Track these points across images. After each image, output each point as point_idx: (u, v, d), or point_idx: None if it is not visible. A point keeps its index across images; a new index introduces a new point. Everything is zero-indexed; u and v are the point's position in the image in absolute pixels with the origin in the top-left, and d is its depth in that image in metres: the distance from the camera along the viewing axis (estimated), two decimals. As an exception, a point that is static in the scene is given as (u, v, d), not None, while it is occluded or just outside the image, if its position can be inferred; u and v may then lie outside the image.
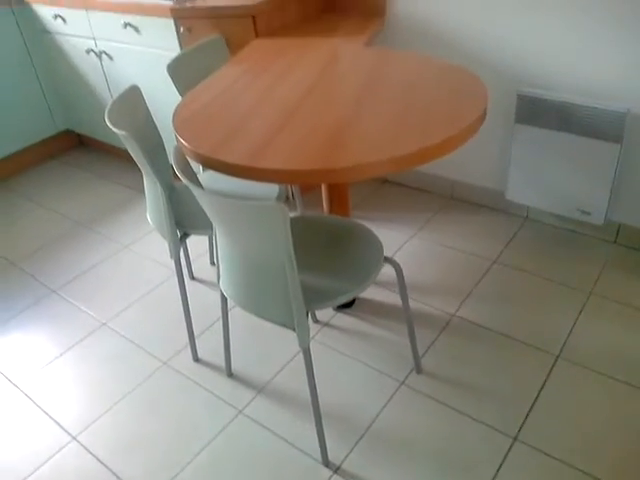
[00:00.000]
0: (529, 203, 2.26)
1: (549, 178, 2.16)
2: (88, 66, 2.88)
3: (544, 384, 1.65)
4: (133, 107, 1.70)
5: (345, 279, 1.39)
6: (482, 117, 1.36)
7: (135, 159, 1.59)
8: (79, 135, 3.41)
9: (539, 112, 2.06)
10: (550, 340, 1.80)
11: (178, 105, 1.60)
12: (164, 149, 1.84)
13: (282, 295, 1.27)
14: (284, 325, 1.32)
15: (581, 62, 1.98)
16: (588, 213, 2.13)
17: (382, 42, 2.40)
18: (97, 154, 3.31)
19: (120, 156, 3.24)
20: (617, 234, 2.19)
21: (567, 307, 1.92)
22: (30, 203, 2.90)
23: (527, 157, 2.17)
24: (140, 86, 2.65)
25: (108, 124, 1.48)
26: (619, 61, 1.90)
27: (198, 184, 1.29)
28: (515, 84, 2.16)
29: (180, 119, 1.51)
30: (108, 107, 1.56)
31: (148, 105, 1.80)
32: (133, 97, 1.72)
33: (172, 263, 2.31)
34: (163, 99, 2.57)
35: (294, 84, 1.67)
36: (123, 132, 1.43)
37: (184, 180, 1.21)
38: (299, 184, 2.18)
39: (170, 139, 2.43)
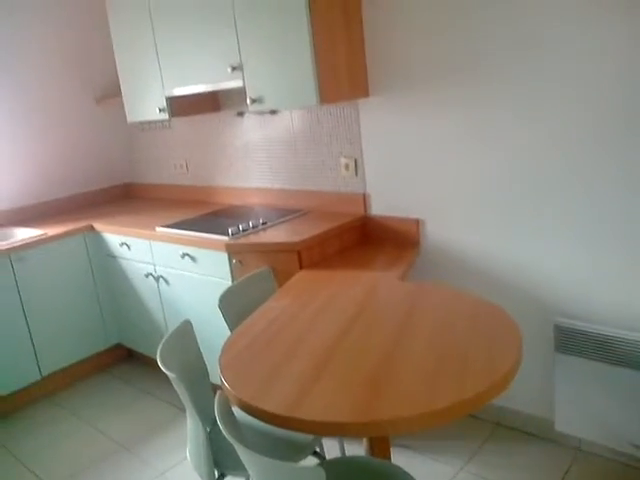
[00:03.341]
0: (580, 435, 2.16)
1: (597, 409, 2.09)
2: (145, 288, 3.13)
3: None
4: (184, 343, 1.82)
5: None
6: (516, 366, 1.39)
7: (181, 397, 1.65)
8: (129, 349, 3.56)
9: (579, 343, 2.08)
10: None
11: (225, 343, 1.70)
12: (209, 382, 1.91)
13: None
14: None
15: (618, 293, 2.04)
16: (645, 448, 2.01)
17: (417, 271, 2.56)
18: (144, 368, 3.42)
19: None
20: (682, 472, 2.03)
21: None
22: (75, 419, 2.95)
23: (572, 386, 2.14)
24: (192, 308, 2.84)
25: (159, 364, 1.58)
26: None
27: (239, 435, 1.32)
28: (552, 313, 2.21)
29: (226, 360, 1.59)
30: (161, 345, 1.67)
31: (198, 329, 1.92)
32: (185, 332, 1.85)
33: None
34: (213, 322, 2.72)
35: (333, 321, 1.77)
36: (173, 375, 1.51)
37: (227, 435, 1.24)
38: (336, 436, 2.15)
39: (215, 364, 2.52)
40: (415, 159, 2.46)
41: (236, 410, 1.59)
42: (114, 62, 3.23)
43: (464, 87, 2.22)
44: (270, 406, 1.32)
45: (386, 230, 2.63)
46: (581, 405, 2.13)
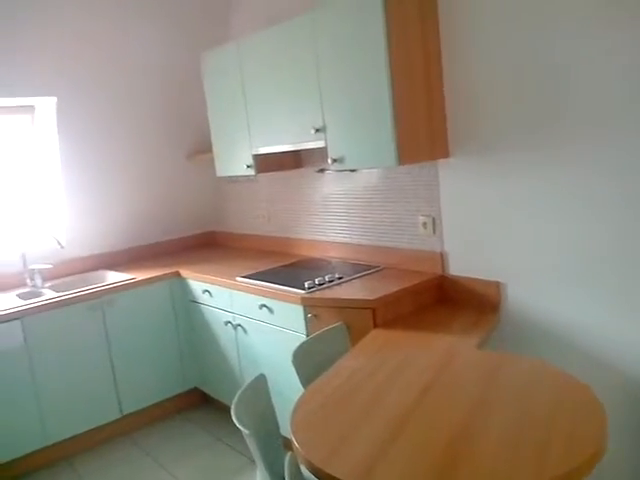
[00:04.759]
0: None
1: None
2: (224, 335, 3.23)
3: None
4: (257, 397, 1.86)
5: None
6: (601, 451, 1.32)
7: (252, 452, 1.68)
8: (205, 394, 3.65)
9: (671, 425, 1.93)
10: None
11: (298, 401, 1.72)
12: (279, 437, 1.92)
13: None
14: None
15: None
16: None
17: (496, 338, 2.46)
18: (218, 414, 3.47)
19: (238, 417, 3.39)
20: None
21: None
22: (149, 460, 3.04)
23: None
24: (267, 359, 2.90)
25: (234, 419, 1.62)
26: None
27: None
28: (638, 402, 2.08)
29: (298, 419, 1.61)
30: (235, 399, 1.71)
31: (273, 379, 1.98)
32: (259, 387, 1.89)
33: None
34: (288, 373, 2.74)
35: (408, 386, 1.75)
36: (246, 431, 1.55)
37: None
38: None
39: (287, 415, 2.54)
40: (497, 220, 2.42)
41: (305, 470, 1.59)
42: (206, 122, 3.45)
43: (549, 150, 2.18)
44: (340, 472, 1.32)
45: (464, 291, 2.59)
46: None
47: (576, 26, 2.02)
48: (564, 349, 2.27)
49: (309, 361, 2.12)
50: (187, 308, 3.51)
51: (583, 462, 1.26)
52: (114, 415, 3.28)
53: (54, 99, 3.41)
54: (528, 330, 2.38)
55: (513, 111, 2.26)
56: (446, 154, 2.53)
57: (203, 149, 3.94)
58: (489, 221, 2.45)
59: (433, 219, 2.68)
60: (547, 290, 2.30)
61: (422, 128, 2.43)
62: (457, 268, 2.62)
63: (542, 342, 2.34)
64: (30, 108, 3.49)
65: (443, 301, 2.67)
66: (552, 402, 1.56)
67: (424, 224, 2.72)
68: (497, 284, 2.46)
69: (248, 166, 3.13)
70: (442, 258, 2.67)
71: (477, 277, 2.54)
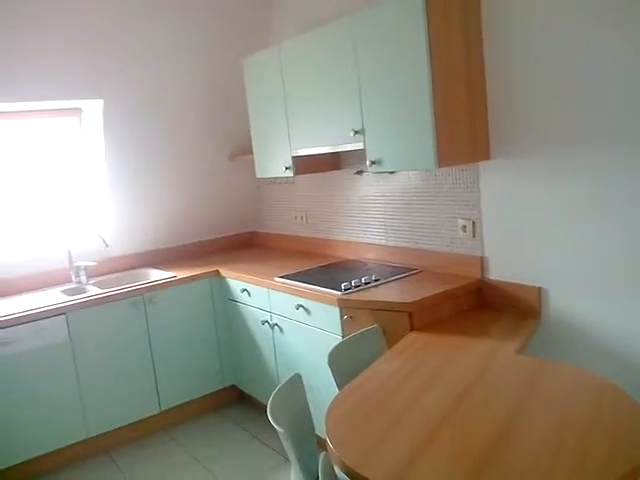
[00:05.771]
0: None
1: None
2: (261, 334, 3.26)
3: None
4: (293, 396, 1.87)
5: None
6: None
7: (286, 451, 1.69)
8: (242, 391, 3.69)
9: None
10: None
11: (333, 402, 1.73)
12: (314, 436, 1.93)
13: None
14: None
15: None
16: None
17: (536, 345, 2.40)
18: (254, 412, 3.51)
19: (274, 416, 3.41)
20: None
21: None
22: (186, 456, 3.10)
23: None
24: (303, 358, 2.91)
25: (269, 418, 1.64)
26: None
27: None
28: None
29: (333, 420, 1.61)
30: (271, 398, 1.73)
31: (308, 379, 1.98)
32: (294, 386, 1.90)
33: None
34: (323, 373, 2.76)
35: (444, 390, 1.74)
36: (282, 430, 1.56)
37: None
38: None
39: (321, 415, 2.54)
40: (540, 224, 2.37)
41: (339, 470, 1.60)
42: (247, 124, 3.49)
43: (596, 152, 2.12)
44: (373, 475, 1.31)
45: (504, 296, 2.54)
46: None
47: (624, 29, 1.96)
48: (606, 356, 2.20)
49: (345, 362, 2.12)
50: (226, 307, 3.56)
51: (628, 471, 1.22)
52: (153, 410, 3.35)
53: (101, 102, 3.51)
54: (569, 336, 2.32)
55: (559, 113, 2.21)
56: (487, 156, 2.49)
57: (245, 151, 3.99)
58: (531, 225, 2.40)
59: (473, 222, 2.64)
60: (590, 296, 2.23)
61: (463, 130, 2.40)
62: (497, 273, 2.58)
63: (584, 349, 2.28)
64: (77, 110, 3.60)
65: (482, 306, 2.63)
66: (593, 411, 1.51)
67: (464, 227, 2.69)
68: (538, 289, 2.41)
69: (287, 167, 3.16)
70: (482, 262, 2.63)
71: (518, 282, 2.49)
